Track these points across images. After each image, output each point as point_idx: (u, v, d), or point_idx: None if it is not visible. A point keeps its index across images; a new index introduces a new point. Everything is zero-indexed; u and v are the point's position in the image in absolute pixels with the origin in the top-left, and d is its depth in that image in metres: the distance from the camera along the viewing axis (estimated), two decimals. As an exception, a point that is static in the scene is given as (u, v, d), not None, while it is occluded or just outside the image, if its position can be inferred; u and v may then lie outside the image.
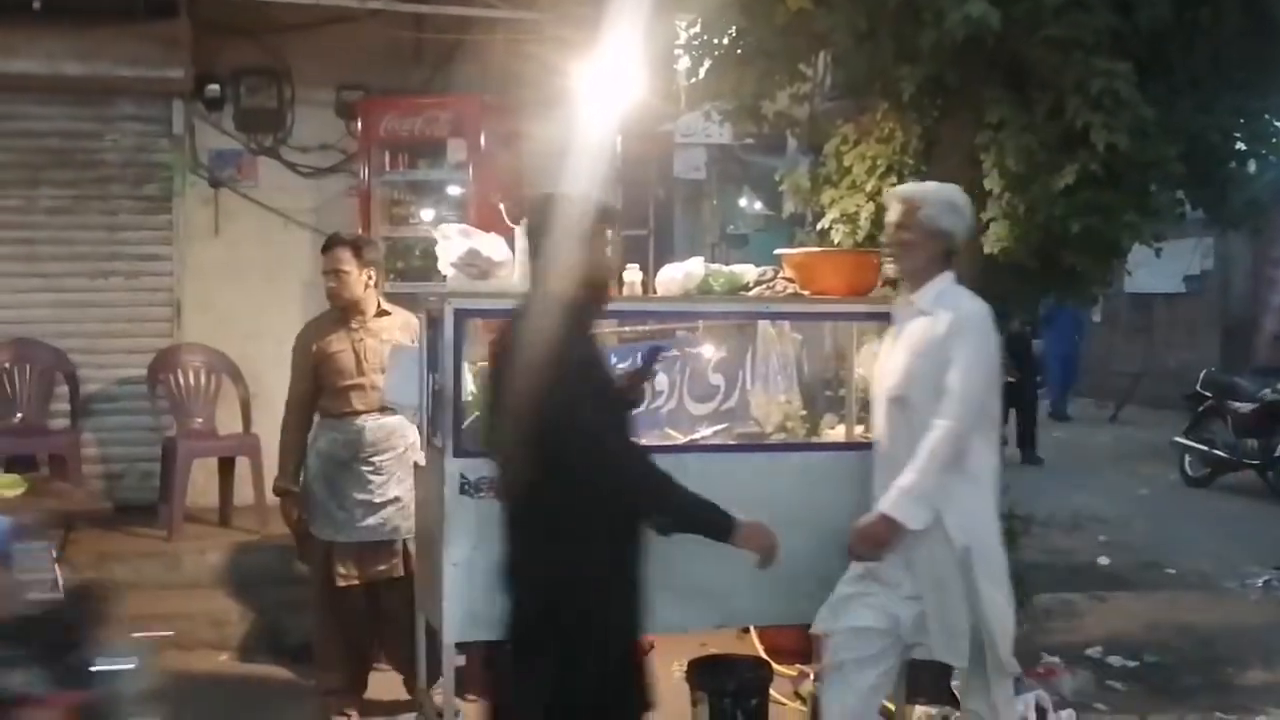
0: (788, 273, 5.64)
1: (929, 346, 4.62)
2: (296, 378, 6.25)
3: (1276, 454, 11.97)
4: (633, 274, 5.48)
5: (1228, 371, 14.57)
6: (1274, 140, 6.68)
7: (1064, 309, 16.96)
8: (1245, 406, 12.51)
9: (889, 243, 4.87)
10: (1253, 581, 9.04)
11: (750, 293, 5.60)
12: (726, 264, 6.19)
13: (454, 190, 8.48)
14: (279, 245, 8.91)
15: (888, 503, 4.57)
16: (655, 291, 5.55)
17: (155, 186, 8.87)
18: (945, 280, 4.78)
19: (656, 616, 5.29)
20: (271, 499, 8.18)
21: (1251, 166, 6.62)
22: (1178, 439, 13.39)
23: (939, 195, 4.78)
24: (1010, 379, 10.11)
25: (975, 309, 4.72)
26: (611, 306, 5.50)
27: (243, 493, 8.29)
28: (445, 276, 5.33)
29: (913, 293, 4.77)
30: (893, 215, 4.80)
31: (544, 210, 4.13)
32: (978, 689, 4.77)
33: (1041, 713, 6.15)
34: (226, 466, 8.38)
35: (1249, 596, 8.77)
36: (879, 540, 4.61)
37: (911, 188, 4.97)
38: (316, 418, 6.19)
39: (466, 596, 4.93)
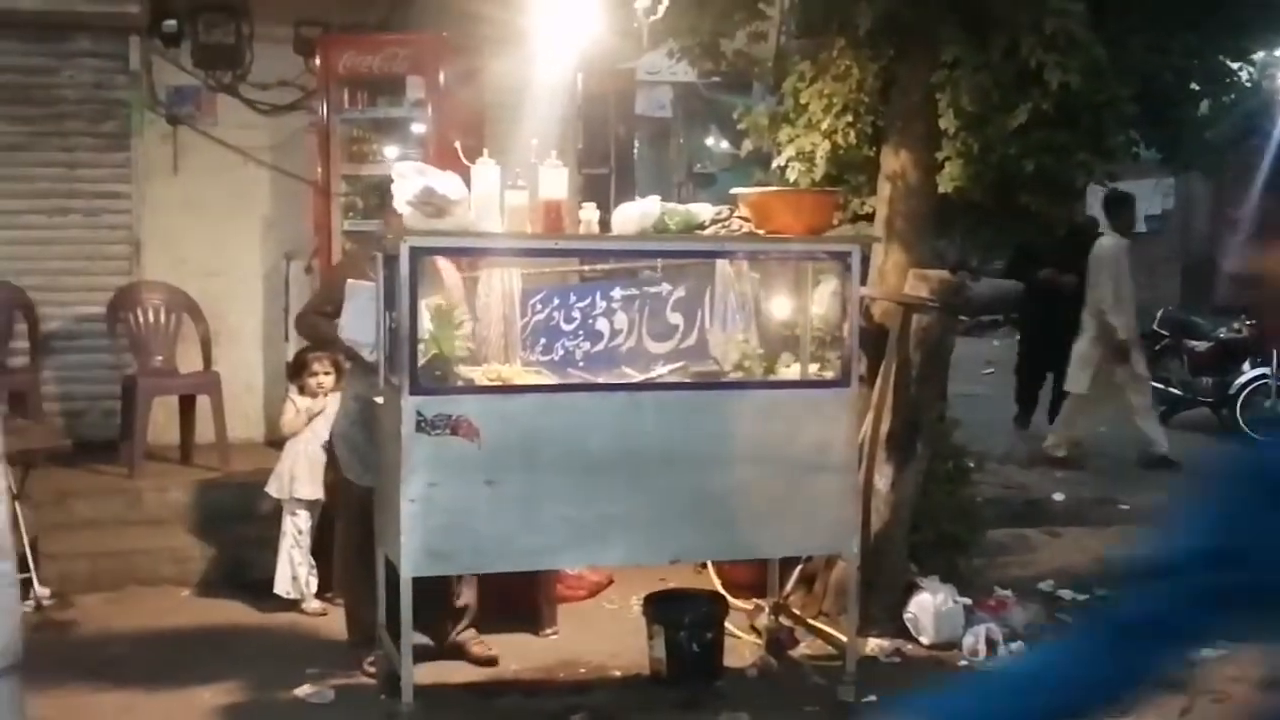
0: (744, 212, 5.67)
1: None
2: (320, 299, 6.26)
3: (1231, 392, 12.10)
4: (589, 213, 5.50)
5: (1186, 310, 14.70)
6: (1227, 81, 6.74)
7: None
8: (1201, 345, 12.66)
9: None
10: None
11: (705, 232, 5.62)
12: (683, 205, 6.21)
13: (414, 128, 8.46)
14: (238, 183, 8.88)
15: None
16: (612, 230, 5.57)
17: (113, 124, 8.82)
18: None
19: (612, 552, 5.42)
20: (233, 435, 8.26)
21: (1205, 108, 6.68)
22: (1135, 377, 13.53)
23: None
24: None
25: None
26: (565, 245, 5.57)
27: (204, 430, 8.32)
28: (401, 215, 5.33)
29: None
30: None
31: None
32: None
33: (992, 644, 6.29)
34: (187, 404, 8.39)
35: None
36: None
37: None
38: (349, 366, 6.17)
39: (424, 532, 4.99)
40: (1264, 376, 11.90)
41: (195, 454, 8.33)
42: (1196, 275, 18.35)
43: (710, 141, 21.82)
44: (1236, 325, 12.64)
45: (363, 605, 5.98)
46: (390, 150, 8.43)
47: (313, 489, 6.84)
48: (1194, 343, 12.76)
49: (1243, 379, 12.06)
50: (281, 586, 6.76)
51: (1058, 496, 9.70)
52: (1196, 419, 12.65)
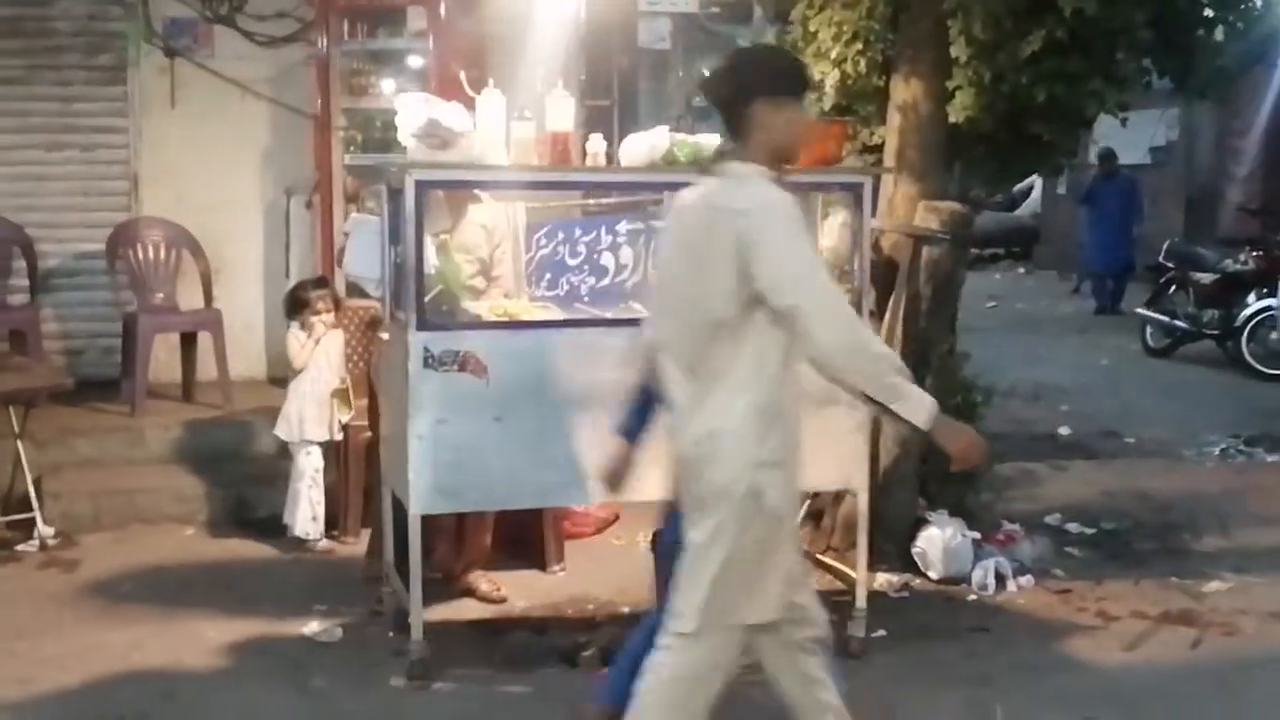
0: (753, 143, 5.57)
1: None
2: None
3: (1236, 324, 12.08)
4: (597, 145, 5.41)
5: (1191, 242, 14.64)
6: (1242, 6, 6.63)
7: (1110, 180, 16.48)
8: (1206, 277, 12.61)
9: None
10: (1210, 449, 9.17)
11: (715, 163, 5.52)
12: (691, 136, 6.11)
13: (414, 60, 8.33)
14: (237, 116, 8.75)
15: None
16: (619, 163, 5.48)
17: (109, 56, 8.69)
18: None
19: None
20: (235, 373, 8.20)
21: (1219, 34, 6.58)
22: (1140, 309, 13.51)
23: None
24: None
25: None
26: (575, 177, 5.49)
27: (205, 368, 8.26)
28: (405, 148, 5.24)
29: None
30: None
31: None
32: None
33: (1001, 579, 6.27)
34: (188, 341, 8.33)
35: (1205, 464, 8.90)
36: None
37: None
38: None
39: (432, 469, 4.94)
40: (1269, 309, 11.87)
41: (197, 392, 8.27)
42: (1201, 207, 18.25)
43: (709, 74, 21.69)
44: (1242, 257, 12.60)
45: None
46: (391, 82, 8.31)
47: (321, 429, 6.79)
48: (1199, 275, 12.70)
49: (1248, 311, 12.05)
50: (302, 527, 6.71)
51: (1064, 430, 9.68)
52: (1202, 352, 12.64)
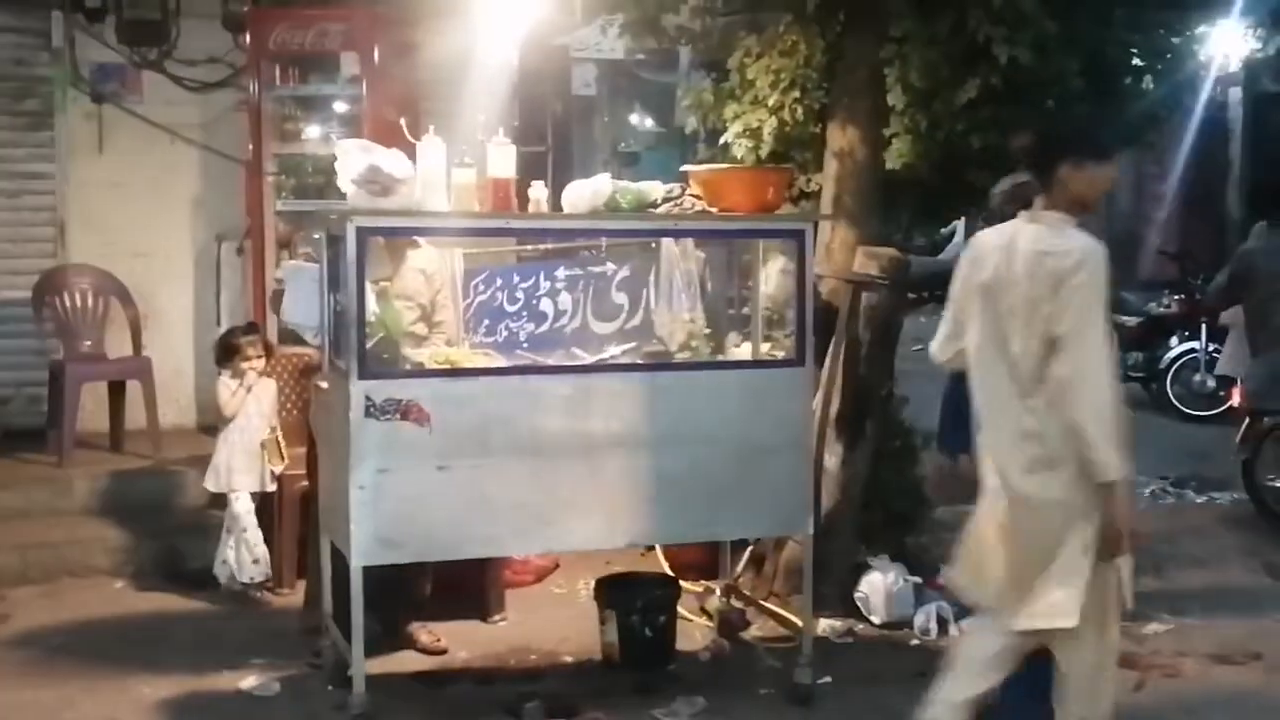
0: (694, 190, 5.59)
1: None
2: None
3: (1161, 366, 12.22)
4: (539, 191, 5.39)
5: (1112, 286, 14.80)
6: (1169, 55, 6.75)
7: None
8: (1130, 321, 12.75)
9: None
10: (1140, 490, 9.24)
11: (658, 210, 5.53)
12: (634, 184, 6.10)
13: (347, 106, 8.28)
14: (166, 162, 8.67)
15: None
16: (562, 209, 5.46)
17: (35, 101, 8.58)
18: None
19: (567, 536, 5.32)
20: (164, 421, 8.07)
21: (1148, 82, 6.69)
22: (1065, 352, 13.62)
23: None
24: None
25: None
26: (523, 224, 5.46)
27: (134, 416, 8.12)
28: (344, 194, 5.19)
29: None
30: None
31: None
32: None
33: (943, 623, 6.26)
34: (117, 390, 8.18)
35: (1137, 505, 8.96)
36: None
37: None
38: None
39: (374, 520, 4.87)
40: (1192, 351, 12.03)
41: (126, 441, 8.12)
42: (1120, 250, 18.48)
43: (634, 119, 21.74)
44: (1165, 301, 12.78)
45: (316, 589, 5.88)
46: (324, 129, 8.26)
47: (251, 479, 6.68)
48: (1123, 318, 12.84)
49: (1171, 354, 12.18)
50: (247, 572, 6.58)
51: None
52: (1127, 395, 12.74)
